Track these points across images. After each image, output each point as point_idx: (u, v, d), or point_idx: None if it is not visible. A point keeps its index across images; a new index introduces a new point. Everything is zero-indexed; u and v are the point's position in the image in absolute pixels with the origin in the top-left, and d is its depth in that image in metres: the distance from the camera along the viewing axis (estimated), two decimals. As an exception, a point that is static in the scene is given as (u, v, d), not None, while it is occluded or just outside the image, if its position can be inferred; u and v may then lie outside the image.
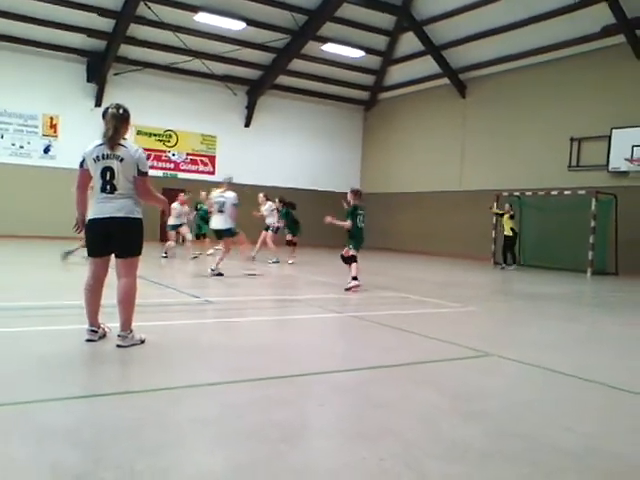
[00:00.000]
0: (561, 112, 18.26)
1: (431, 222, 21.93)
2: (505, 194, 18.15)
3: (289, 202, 15.25)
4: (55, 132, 20.49)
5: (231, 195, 10.80)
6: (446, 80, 22.03)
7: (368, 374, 4.32)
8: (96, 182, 4.70)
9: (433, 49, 21.33)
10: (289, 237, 15.23)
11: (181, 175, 22.24)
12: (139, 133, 21.41)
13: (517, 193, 18.23)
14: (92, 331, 4.81)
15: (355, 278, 9.39)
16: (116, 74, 20.83)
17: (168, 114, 21.86)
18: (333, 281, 11.00)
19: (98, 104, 20.70)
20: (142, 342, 4.77)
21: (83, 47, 20.15)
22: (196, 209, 15.82)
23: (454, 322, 7.27)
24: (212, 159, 23.38)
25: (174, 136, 22.41)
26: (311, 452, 2.84)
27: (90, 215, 4.76)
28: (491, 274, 15.10)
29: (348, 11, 20.38)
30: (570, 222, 16.55)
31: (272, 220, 14.92)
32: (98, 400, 3.41)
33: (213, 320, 6.43)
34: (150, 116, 21.27)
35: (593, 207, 15.79)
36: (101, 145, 4.73)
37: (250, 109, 23.83)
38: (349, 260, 9.61)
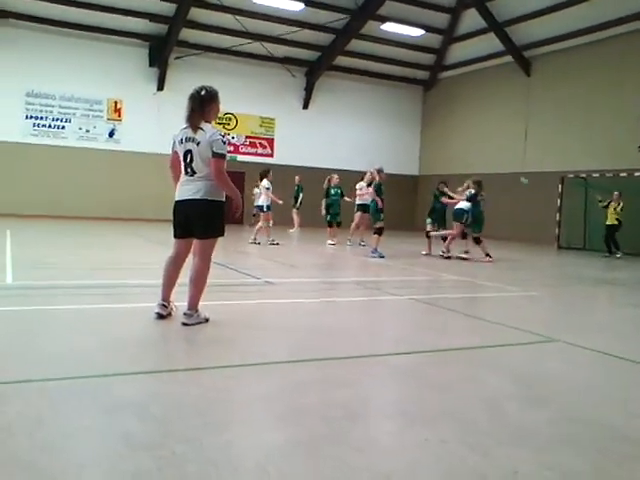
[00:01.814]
0: (631, 90, 17.45)
1: (493, 205, 21.43)
2: (570, 176, 17.56)
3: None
4: (119, 116, 21.07)
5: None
6: (509, 58, 21.37)
7: (428, 357, 4.30)
8: (181, 164, 4.84)
9: (496, 26, 20.70)
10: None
11: (240, 158, 22.51)
12: (200, 116, 21.72)
13: (583, 175, 17.60)
14: (163, 305, 4.97)
15: (488, 254, 11.84)
16: (177, 58, 21.19)
17: (227, 97, 21.72)
18: (395, 264, 10.95)
19: (160, 88, 21.17)
20: (206, 321, 4.89)
21: (145, 32, 20.58)
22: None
23: (517, 307, 7.13)
24: (270, 142, 23.54)
25: (233, 119, 22.67)
26: (373, 431, 2.85)
27: (176, 197, 4.92)
28: (556, 257, 14.68)
29: (408, -11, 20.02)
30: (640, 204, 15.83)
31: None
32: (166, 376, 3.52)
33: (274, 301, 6.51)
34: (210, 99, 21.46)
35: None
36: (186, 128, 4.83)
37: (308, 91, 23.81)
38: (477, 241, 11.99)
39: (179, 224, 4.95)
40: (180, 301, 5.00)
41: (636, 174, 15.95)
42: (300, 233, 18.27)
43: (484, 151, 22.59)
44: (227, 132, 22.44)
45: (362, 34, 21.92)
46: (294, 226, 18.86)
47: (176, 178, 4.99)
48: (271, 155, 23.48)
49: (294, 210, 18.86)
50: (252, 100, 22.73)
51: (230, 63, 22.23)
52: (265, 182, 13.89)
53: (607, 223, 15.53)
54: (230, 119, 22.59)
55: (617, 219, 15.25)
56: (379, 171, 12.26)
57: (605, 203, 15.56)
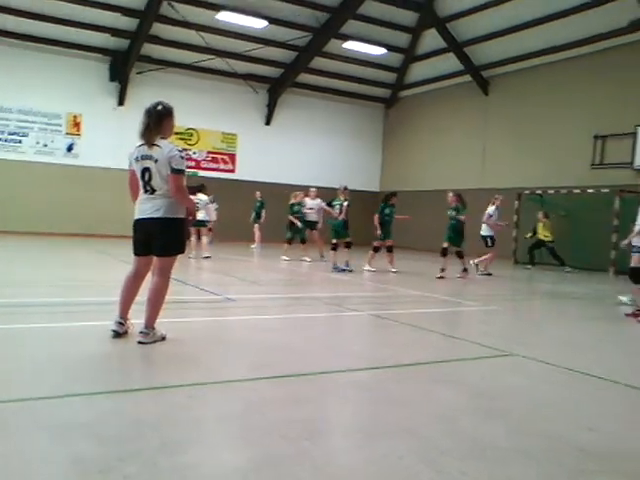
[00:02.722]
0: (584, 109, 18.01)
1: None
2: (527, 192, 17.98)
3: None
4: (78, 131, 20.73)
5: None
6: (468, 77, 21.86)
7: (388, 372, 4.33)
8: (140, 182, 4.78)
9: (455, 46, 21.18)
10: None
11: (202, 173, 22.36)
12: (161, 131, 21.55)
13: (539, 192, 18.05)
14: (119, 323, 4.88)
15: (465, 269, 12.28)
16: (139, 73, 21.03)
17: (189, 112, 21.97)
18: (353, 279, 11.01)
19: (121, 103, 20.95)
20: (163, 339, 4.83)
21: (107, 46, 20.37)
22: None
23: (476, 321, 7.24)
24: (232, 157, 23.49)
25: (195, 134, 22.56)
26: (332, 449, 2.86)
27: (135, 215, 4.85)
28: (512, 273, 14.98)
29: (370, 8, 20.32)
30: (593, 221, 16.33)
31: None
32: (121, 396, 3.46)
33: (235, 317, 6.48)
34: (172, 115, 21.38)
35: (617, 205, 15.56)
36: (141, 145, 4.75)
37: (271, 107, 23.89)
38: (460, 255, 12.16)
39: (139, 242, 4.91)
40: (137, 319, 4.92)
41: (589, 191, 16.43)
42: (261, 249, 18.22)
43: (444, 168, 22.97)
44: (188, 147, 22.30)
45: (325, 52, 22.15)
46: (255, 242, 18.81)
47: (135, 196, 4.93)
48: (233, 170, 23.41)
49: (255, 226, 18.84)
50: (214, 116, 22.68)
51: (192, 79, 22.16)
52: (203, 196, 14.25)
53: (539, 237, 16.31)
54: (191, 134, 22.48)
55: (545, 235, 15.97)
56: (345, 189, 12.97)
57: (531, 234, 16.51)
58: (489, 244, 13.52)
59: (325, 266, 12.99)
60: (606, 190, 15.97)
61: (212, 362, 4.36)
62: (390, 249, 12.84)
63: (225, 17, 19.26)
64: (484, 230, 13.58)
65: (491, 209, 13.60)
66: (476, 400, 3.71)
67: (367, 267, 12.67)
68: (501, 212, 13.80)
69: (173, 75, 21.67)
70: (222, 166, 23.24)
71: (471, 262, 13.18)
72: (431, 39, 21.83)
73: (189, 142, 22.32)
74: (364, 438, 3.00)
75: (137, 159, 4.75)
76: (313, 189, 15.33)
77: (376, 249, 12.85)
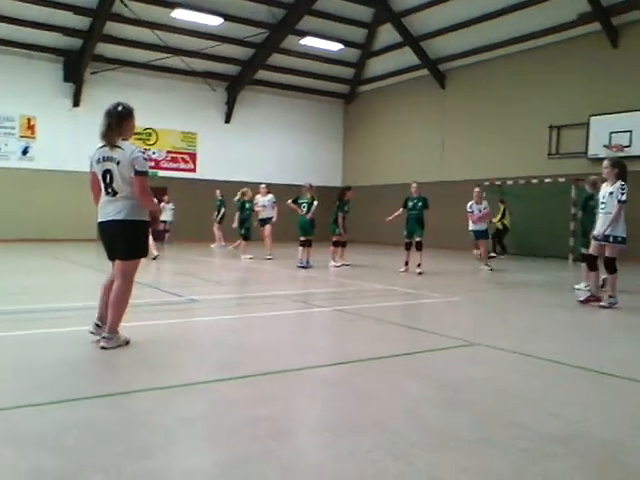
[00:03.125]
0: (540, 100, 18.38)
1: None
2: (486, 184, 18.25)
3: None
4: (33, 133, 20.21)
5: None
6: (425, 71, 22.07)
7: (354, 367, 4.34)
8: (101, 184, 4.70)
9: (411, 40, 21.34)
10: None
11: (162, 173, 22.08)
12: (118, 132, 21.19)
13: (498, 182, 18.34)
14: (97, 325, 4.84)
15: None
16: (93, 73, 20.60)
17: (147, 112, 21.57)
18: (317, 275, 11.01)
19: (76, 104, 20.51)
20: (127, 343, 4.74)
21: (59, 46, 19.90)
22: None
23: (440, 313, 7.32)
24: (193, 156, 23.24)
25: (154, 134, 22.23)
26: (299, 447, 2.85)
27: (98, 218, 4.79)
28: (474, 264, 15.19)
29: (326, 4, 20.35)
30: (551, 210, 16.71)
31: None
32: (84, 403, 3.37)
33: (199, 319, 6.41)
34: (129, 114, 21.07)
35: (573, 194, 15.93)
36: (102, 147, 4.68)
37: (230, 105, 23.71)
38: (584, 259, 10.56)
39: (105, 246, 4.86)
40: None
41: (546, 180, 16.78)
42: (223, 248, 18.09)
43: (405, 161, 23.15)
44: (147, 148, 21.96)
45: (282, 48, 22.07)
46: (216, 241, 18.70)
47: (97, 199, 4.83)
48: (194, 170, 23.17)
49: (215, 225, 18.74)
50: (173, 115, 22.39)
51: (149, 78, 21.83)
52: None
53: (497, 227, 17.12)
54: (150, 134, 22.14)
55: (503, 224, 16.54)
56: (310, 186, 13.06)
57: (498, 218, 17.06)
58: (486, 236, 13.31)
59: (287, 263, 12.96)
60: (562, 179, 16.33)
61: (177, 365, 4.30)
62: (344, 244, 13.08)
63: (180, 15, 19.02)
64: (478, 225, 13.03)
65: (468, 204, 13.20)
66: (441, 391, 3.75)
67: (332, 263, 12.72)
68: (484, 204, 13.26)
69: (129, 74, 21.31)
70: (182, 165, 22.97)
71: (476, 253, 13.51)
72: (387, 34, 21.96)
73: (148, 142, 21.99)
74: (331, 435, 2.99)
75: (98, 161, 4.67)
76: (263, 186, 15.19)
77: (337, 244, 12.93)
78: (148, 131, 22.00)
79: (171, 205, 19.56)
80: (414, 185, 12.24)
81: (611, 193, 7.31)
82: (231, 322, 6.23)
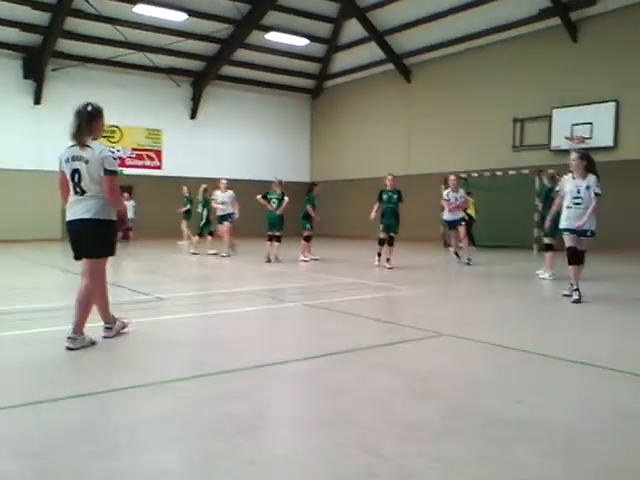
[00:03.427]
0: (504, 93, 18.64)
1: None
2: (452, 177, 18.42)
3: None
4: (-8, 132, 19.75)
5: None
6: (391, 66, 22.18)
7: (323, 361, 4.35)
8: (70, 184, 4.67)
9: (377, 35, 21.42)
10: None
11: (127, 171, 21.76)
12: (81, 130, 20.82)
13: (464, 175, 18.54)
14: (107, 328, 4.94)
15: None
16: (55, 70, 20.20)
17: (111, 109, 20.73)
18: (287, 270, 11.00)
19: (37, 101, 20.10)
20: (93, 344, 4.68)
21: (18, 42, 19.45)
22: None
23: (407, 305, 7.38)
24: (158, 153, 22.98)
25: (118, 131, 21.90)
26: (267, 443, 2.84)
27: (66, 218, 4.74)
28: (441, 256, 15.35)
29: (290, -1, 20.31)
30: (515, 201, 16.96)
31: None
32: (47, 405, 3.31)
33: (166, 317, 6.34)
34: (92, 112, 20.74)
35: (537, 186, 16.19)
36: (72, 146, 4.66)
37: (195, 101, 23.50)
38: (547, 249, 9.88)
39: (73, 245, 4.78)
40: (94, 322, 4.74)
41: (510, 172, 17.03)
42: (190, 245, 17.94)
43: (372, 155, 23.26)
44: (112, 145, 21.63)
45: (247, 44, 21.94)
46: (184, 238, 18.50)
47: (65, 198, 4.80)
48: (159, 167, 22.92)
49: (184, 222, 18.54)
50: (137, 111, 22.09)
51: (112, 74, 21.48)
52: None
53: None
54: (114, 132, 21.79)
55: (468, 214, 16.65)
56: (280, 182, 13.03)
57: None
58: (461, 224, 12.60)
59: (255, 260, 12.92)
60: (526, 171, 16.59)
61: (143, 364, 4.26)
62: (308, 238, 13.05)
63: (142, 10, 18.77)
64: (453, 214, 12.49)
65: (445, 192, 12.77)
66: (410, 382, 3.78)
67: (301, 257, 12.74)
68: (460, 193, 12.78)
69: (92, 71, 20.95)
70: (148, 162, 22.69)
71: (451, 250, 12.85)
72: (353, 29, 22.01)
73: (112, 140, 21.66)
74: (301, 429, 3.00)
75: (67, 160, 4.65)
76: (224, 181, 14.86)
77: (308, 239, 12.94)
78: (112, 129, 21.65)
79: (132, 202, 19.27)
80: (389, 177, 11.83)
81: (588, 187, 7.15)
82: (198, 320, 6.19)
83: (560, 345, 4.92)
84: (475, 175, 18.21)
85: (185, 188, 18.80)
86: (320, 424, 3.02)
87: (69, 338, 4.58)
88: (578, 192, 7.22)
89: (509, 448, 2.71)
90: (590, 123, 16.41)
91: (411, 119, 22.01)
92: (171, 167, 22.89)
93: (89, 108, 4.64)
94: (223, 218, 14.39)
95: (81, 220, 4.62)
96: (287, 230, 13.12)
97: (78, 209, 4.63)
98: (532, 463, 2.55)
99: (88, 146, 4.59)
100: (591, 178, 7.19)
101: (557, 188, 7.60)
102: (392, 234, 11.58)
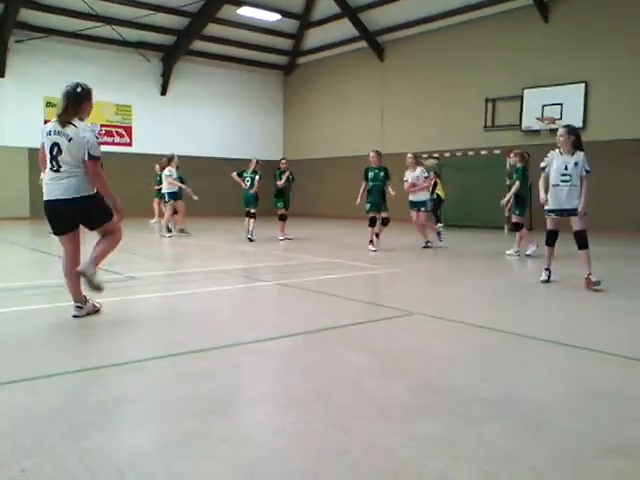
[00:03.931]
0: (476, 73, 18.68)
1: (355, 186, 22.12)
2: (425, 156, 18.51)
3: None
4: (-46, 105, 19.16)
5: None
6: (364, 43, 22.02)
7: (296, 340, 4.37)
8: (47, 157, 4.66)
9: (350, 12, 21.20)
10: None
11: (97, 147, 21.35)
12: (48, 105, 20.30)
13: (436, 155, 18.63)
14: (78, 307, 4.86)
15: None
16: (18, 42, 19.59)
17: (79, 84, 20.85)
18: (261, 250, 10.98)
19: (1, 74, 19.47)
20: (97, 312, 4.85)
21: (-23, 12, 18.81)
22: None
23: (380, 284, 7.44)
24: (128, 130, 22.57)
25: (87, 107, 21.42)
26: (240, 422, 2.85)
27: (44, 196, 4.74)
28: (415, 236, 15.46)
29: (262, -27, 19.96)
30: (487, 181, 17.13)
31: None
32: (17, 386, 3.27)
33: (138, 296, 6.29)
34: (59, 86, 19.99)
35: (508, 166, 16.34)
36: (56, 121, 4.67)
37: (166, 76, 23.06)
38: (517, 227, 10.10)
39: (54, 222, 4.79)
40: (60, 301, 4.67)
41: (482, 152, 17.17)
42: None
43: (345, 134, 23.18)
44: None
45: (218, 18, 21.54)
46: (155, 216, 18.30)
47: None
48: (130, 144, 22.52)
49: (155, 200, 18.32)
50: (105, 87, 21.49)
51: (80, 48, 20.91)
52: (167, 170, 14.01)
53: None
54: (83, 107, 21.32)
55: (437, 194, 16.73)
56: (257, 162, 13.10)
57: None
58: (428, 208, 12.17)
59: (228, 239, 12.86)
60: (498, 152, 16.74)
61: (115, 343, 4.22)
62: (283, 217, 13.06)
63: (111, -19, 18.25)
64: (414, 195, 11.76)
65: (407, 173, 11.96)
66: (381, 361, 3.82)
67: (279, 237, 12.77)
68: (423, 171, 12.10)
69: (58, 44, 20.36)
70: (118, 139, 22.28)
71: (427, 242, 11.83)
72: (325, 4, 21.72)
73: (80, 115, 21.17)
74: (273, 408, 3.01)
75: (49, 133, 4.65)
76: (176, 158, 14.63)
77: (283, 217, 12.95)
78: (80, 103, 21.16)
79: None
80: (372, 154, 11.25)
81: (576, 164, 6.85)
82: (173, 299, 6.15)
83: (527, 323, 5.01)
84: (447, 155, 18.32)
85: (157, 166, 18.53)
86: (292, 403, 3.04)
87: (76, 307, 4.81)
88: (566, 169, 6.87)
89: (477, 424, 2.77)
90: (560, 104, 16.58)
91: (384, 98, 21.96)
92: (141, 144, 22.52)
93: (78, 89, 4.69)
94: (175, 196, 14.22)
95: (63, 200, 4.62)
96: (261, 209, 13.12)
97: (56, 187, 4.62)
98: (501, 440, 2.61)
99: (72, 124, 4.60)
100: (580, 154, 6.88)
101: (543, 164, 7.22)
102: (384, 214, 11.11)
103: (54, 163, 4.62)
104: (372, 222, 10.97)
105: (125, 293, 6.44)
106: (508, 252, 10.12)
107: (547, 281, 7.16)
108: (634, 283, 7.56)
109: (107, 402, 3.02)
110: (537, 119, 17.00)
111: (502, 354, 4.08)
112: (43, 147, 4.71)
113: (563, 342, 4.30)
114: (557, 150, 7.07)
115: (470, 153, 17.49)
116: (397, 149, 20.76)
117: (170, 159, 14.34)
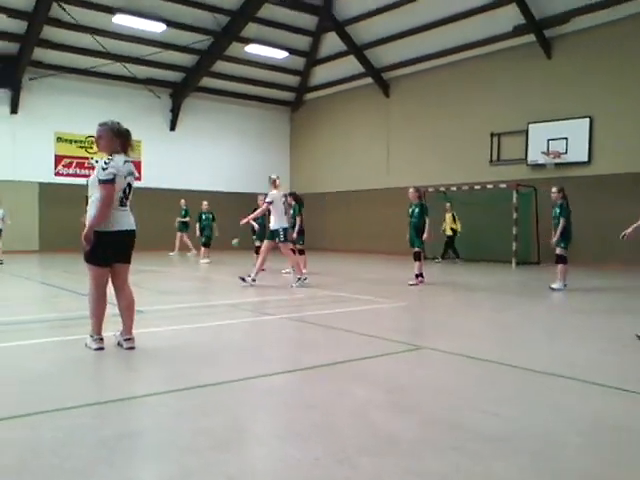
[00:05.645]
0: (481, 108, 18.88)
1: (361, 220, 22.20)
2: (431, 190, 18.60)
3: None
4: (-33, 142, 19.47)
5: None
6: (369, 80, 22.35)
7: (302, 375, 4.33)
8: (117, 195, 5.08)
9: (355, 49, 21.58)
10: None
11: (105, 182, 21.58)
12: (59, 140, 20.64)
13: (442, 189, 18.70)
14: (100, 339, 5.04)
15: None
16: (32, 79, 20.00)
17: (89, 119, 20.89)
18: (268, 284, 10.96)
19: (14, 110, 19.84)
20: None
21: (-7, 51, 19.25)
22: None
23: (387, 318, 7.39)
24: (137, 164, 22.81)
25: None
26: (246, 457, 2.82)
27: (111, 227, 5.07)
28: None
29: (270, 11, 20.37)
30: (494, 215, 17.17)
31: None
32: (19, 422, 3.25)
33: (142, 330, 6.27)
34: (70, 122, 20.65)
35: (514, 199, 16.39)
36: (127, 162, 5.20)
37: (175, 112, 23.43)
38: (562, 260, 10.14)
39: (114, 252, 5.08)
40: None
41: (488, 186, 17.22)
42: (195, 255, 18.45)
43: (351, 169, 23.36)
44: (90, 156, 21.48)
45: (227, 55, 21.95)
46: (175, 249, 19.47)
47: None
48: (139, 178, 22.70)
49: (184, 235, 19.61)
50: (116, 122, 21.92)
51: (91, 84, 21.32)
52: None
53: (447, 233, 17.56)
54: (92, 142, 21.57)
55: (452, 229, 17.11)
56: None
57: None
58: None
59: (236, 271, 12.84)
60: (504, 185, 16.79)
61: (120, 378, 4.21)
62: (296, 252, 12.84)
63: (121, 20, 18.68)
64: None
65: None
66: (387, 396, 3.79)
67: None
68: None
69: (70, 81, 20.78)
70: (126, 174, 22.51)
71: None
72: (332, 42, 22.14)
73: (90, 151, 21.49)
74: (279, 443, 2.98)
75: (126, 176, 5.11)
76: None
77: (301, 252, 12.71)
78: (91, 139, 21.45)
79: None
80: (410, 190, 11.27)
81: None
82: (177, 333, 6.13)
83: (533, 358, 4.95)
84: (453, 189, 18.39)
85: (183, 201, 19.46)
86: (298, 439, 3.00)
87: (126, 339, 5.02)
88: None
89: (486, 461, 2.72)
90: (565, 138, 16.69)
91: (390, 133, 22.17)
92: (150, 178, 22.74)
93: (102, 126, 5.26)
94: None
95: (130, 232, 5.12)
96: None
97: (128, 221, 5.14)
98: (509, 476, 2.56)
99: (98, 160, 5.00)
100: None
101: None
102: (417, 248, 11.07)
103: (126, 202, 5.08)
104: (415, 257, 11.10)
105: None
106: (554, 286, 9.98)
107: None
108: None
109: (109, 438, 2.99)
110: (542, 153, 17.10)
111: (509, 388, 4.02)
112: (114, 184, 4.93)
113: (571, 376, 4.24)
114: None
115: (476, 187, 17.55)
116: (403, 183, 20.89)
117: None
